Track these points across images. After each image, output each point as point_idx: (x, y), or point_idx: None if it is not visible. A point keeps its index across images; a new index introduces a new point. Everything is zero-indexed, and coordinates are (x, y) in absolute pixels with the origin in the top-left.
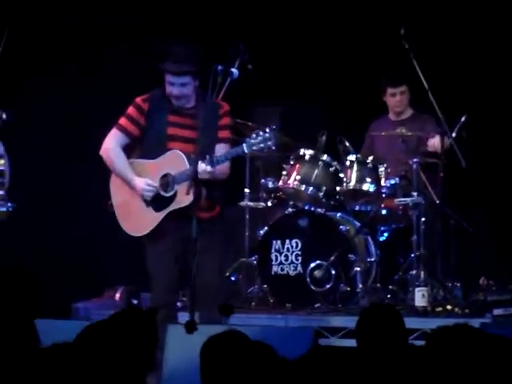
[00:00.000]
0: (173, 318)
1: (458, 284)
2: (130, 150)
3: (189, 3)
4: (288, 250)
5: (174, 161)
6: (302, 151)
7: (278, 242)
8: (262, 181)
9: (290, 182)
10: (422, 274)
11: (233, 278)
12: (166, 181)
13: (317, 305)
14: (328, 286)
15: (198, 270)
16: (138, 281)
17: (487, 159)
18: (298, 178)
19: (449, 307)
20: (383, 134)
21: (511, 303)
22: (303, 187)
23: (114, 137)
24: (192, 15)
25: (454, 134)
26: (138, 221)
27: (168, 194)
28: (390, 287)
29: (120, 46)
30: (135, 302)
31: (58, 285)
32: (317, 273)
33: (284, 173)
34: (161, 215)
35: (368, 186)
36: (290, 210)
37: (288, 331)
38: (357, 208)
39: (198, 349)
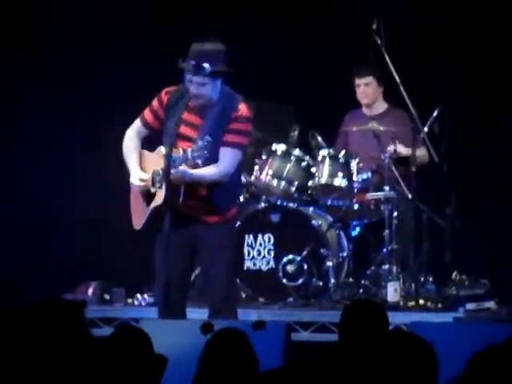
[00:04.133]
0: (177, 315)
1: (431, 278)
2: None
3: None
4: (260, 244)
5: (160, 157)
6: (274, 146)
7: (251, 236)
8: None
9: (262, 176)
10: (395, 268)
11: None
12: (153, 176)
13: (289, 299)
14: (300, 281)
15: (205, 274)
16: (110, 276)
17: (460, 153)
18: (271, 172)
19: (421, 301)
20: (355, 129)
21: (484, 297)
22: (275, 182)
23: (134, 126)
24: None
25: (426, 129)
26: (137, 213)
27: (153, 190)
28: (363, 282)
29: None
30: (107, 297)
31: (31, 280)
32: (289, 267)
33: (256, 168)
34: (149, 210)
35: (340, 181)
36: (262, 204)
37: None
38: (329, 203)
39: (172, 346)
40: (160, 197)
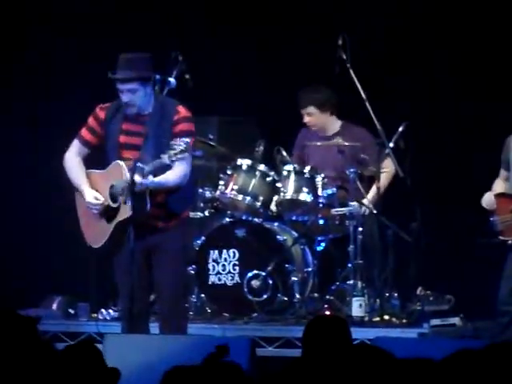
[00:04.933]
0: (141, 329)
1: (396, 294)
2: (94, 160)
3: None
4: (225, 259)
5: (116, 171)
6: (239, 161)
7: (216, 251)
8: (200, 190)
9: (227, 191)
10: (359, 283)
11: None
12: (112, 192)
13: (254, 314)
14: (265, 296)
15: (157, 281)
16: (75, 290)
17: (425, 169)
18: (236, 187)
19: (386, 317)
20: (319, 144)
21: (449, 313)
22: (240, 197)
23: (74, 147)
24: (131, 24)
25: (391, 144)
26: (95, 232)
27: (115, 205)
28: (328, 297)
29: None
30: (72, 311)
31: None
32: (254, 282)
33: (221, 183)
34: (111, 226)
35: (305, 196)
36: (227, 219)
37: (225, 341)
38: (294, 218)
39: (135, 360)
40: (126, 210)
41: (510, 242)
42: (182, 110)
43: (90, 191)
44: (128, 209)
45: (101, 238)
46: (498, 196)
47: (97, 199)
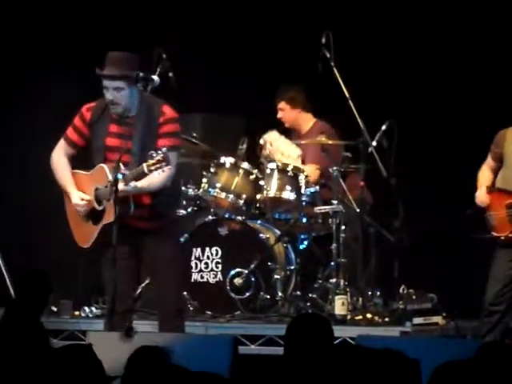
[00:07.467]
0: (122, 327)
1: (378, 292)
2: (82, 160)
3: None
4: (208, 257)
5: (100, 175)
6: (222, 159)
7: (198, 249)
8: (183, 188)
9: (210, 189)
10: (342, 282)
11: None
12: (97, 194)
13: (237, 312)
14: (248, 294)
15: (155, 283)
16: (58, 288)
17: (408, 167)
18: (219, 185)
19: (369, 315)
20: (303, 142)
21: (431, 312)
22: (223, 195)
23: (60, 147)
24: (115, 22)
25: (374, 143)
26: (82, 232)
27: (100, 208)
28: (310, 295)
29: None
30: (55, 309)
31: None
32: (237, 280)
33: (204, 180)
34: (97, 228)
35: (288, 194)
36: (210, 217)
37: (208, 339)
38: (277, 216)
39: (117, 358)
40: (111, 213)
41: (502, 237)
42: (168, 111)
43: (76, 192)
44: (112, 213)
45: (89, 238)
46: (491, 191)
47: (82, 200)
